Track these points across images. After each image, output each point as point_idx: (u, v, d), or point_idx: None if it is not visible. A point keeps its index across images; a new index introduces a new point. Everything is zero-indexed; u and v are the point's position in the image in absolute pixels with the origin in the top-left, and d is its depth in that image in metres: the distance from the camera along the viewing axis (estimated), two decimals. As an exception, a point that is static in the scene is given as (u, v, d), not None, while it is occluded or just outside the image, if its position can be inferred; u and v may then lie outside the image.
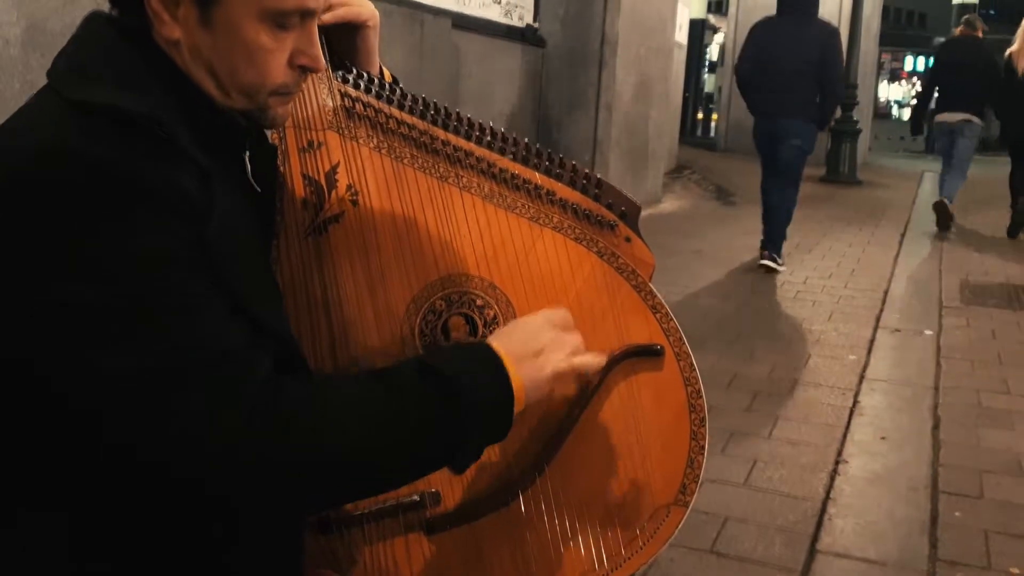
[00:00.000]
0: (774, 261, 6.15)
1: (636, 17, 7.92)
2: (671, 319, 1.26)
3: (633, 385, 1.25)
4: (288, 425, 0.92)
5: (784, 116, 6.03)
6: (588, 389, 1.23)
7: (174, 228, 0.92)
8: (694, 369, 1.27)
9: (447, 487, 1.21)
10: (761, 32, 6.31)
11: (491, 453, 1.21)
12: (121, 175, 0.91)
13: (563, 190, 1.26)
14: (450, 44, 6.01)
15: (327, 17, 1.20)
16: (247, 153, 1.13)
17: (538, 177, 1.25)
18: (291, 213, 1.20)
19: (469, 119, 1.26)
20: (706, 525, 2.59)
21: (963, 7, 17.86)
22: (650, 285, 1.26)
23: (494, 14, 7.22)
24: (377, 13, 1.26)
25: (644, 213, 6.84)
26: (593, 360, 1.14)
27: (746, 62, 6.34)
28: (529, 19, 7.68)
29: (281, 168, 1.20)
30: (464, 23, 6.58)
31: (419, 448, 1.02)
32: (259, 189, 1.14)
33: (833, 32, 6.26)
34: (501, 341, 1.09)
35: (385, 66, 1.34)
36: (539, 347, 1.10)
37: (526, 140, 1.27)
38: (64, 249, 0.88)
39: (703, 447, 1.26)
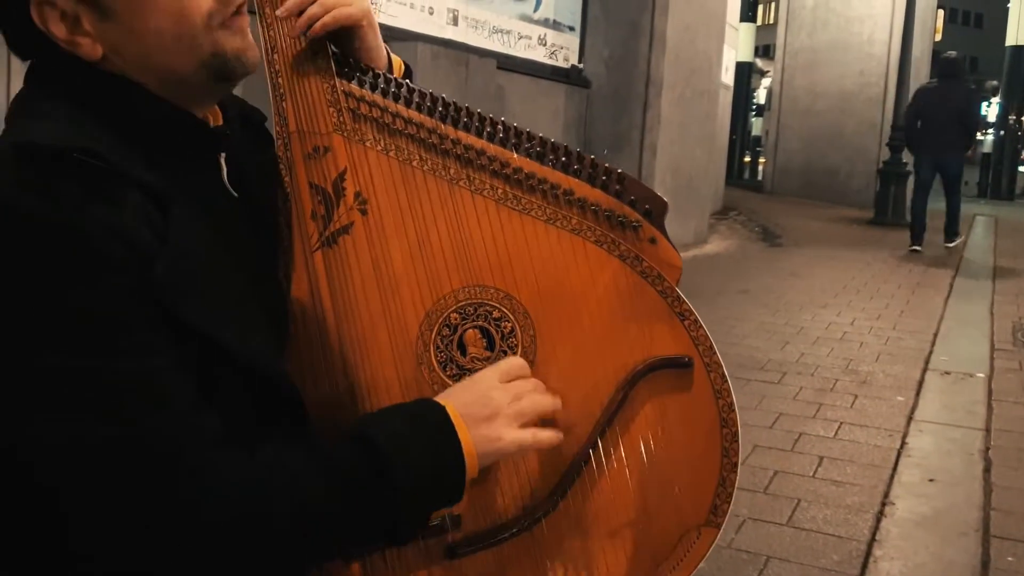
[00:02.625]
0: (952, 241, 9.51)
1: (681, 59, 7.96)
2: (700, 326, 1.18)
3: (660, 401, 1.18)
4: (212, 509, 0.88)
5: (941, 153, 9.13)
6: (611, 407, 1.17)
7: (110, 282, 0.87)
8: (726, 380, 1.18)
9: (469, 511, 1.15)
10: (923, 93, 9.50)
11: (512, 476, 1.17)
12: (47, 228, 0.85)
13: (581, 188, 1.18)
14: (495, 84, 6.08)
15: (318, 27, 1.15)
16: (223, 155, 1.08)
17: (554, 175, 1.18)
18: (299, 226, 1.15)
19: (479, 113, 1.19)
20: (748, 564, 2.54)
21: (1017, 49, 17.66)
22: (677, 290, 1.19)
23: (539, 55, 7.31)
24: (369, 9, 1.19)
25: (688, 253, 6.84)
26: (545, 438, 1.10)
27: (912, 116, 9.46)
28: (574, 60, 7.76)
29: (287, 178, 1.15)
30: (509, 64, 6.67)
31: (351, 529, 0.97)
32: (235, 194, 1.09)
33: (974, 91, 9.77)
34: (455, 399, 1.06)
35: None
36: (493, 409, 1.06)
37: (540, 135, 1.20)
38: None
39: (736, 464, 1.18)
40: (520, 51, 7.08)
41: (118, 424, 0.85)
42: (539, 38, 7.33)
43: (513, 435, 1.07)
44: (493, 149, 1.17)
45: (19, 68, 1.02)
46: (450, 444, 1.03)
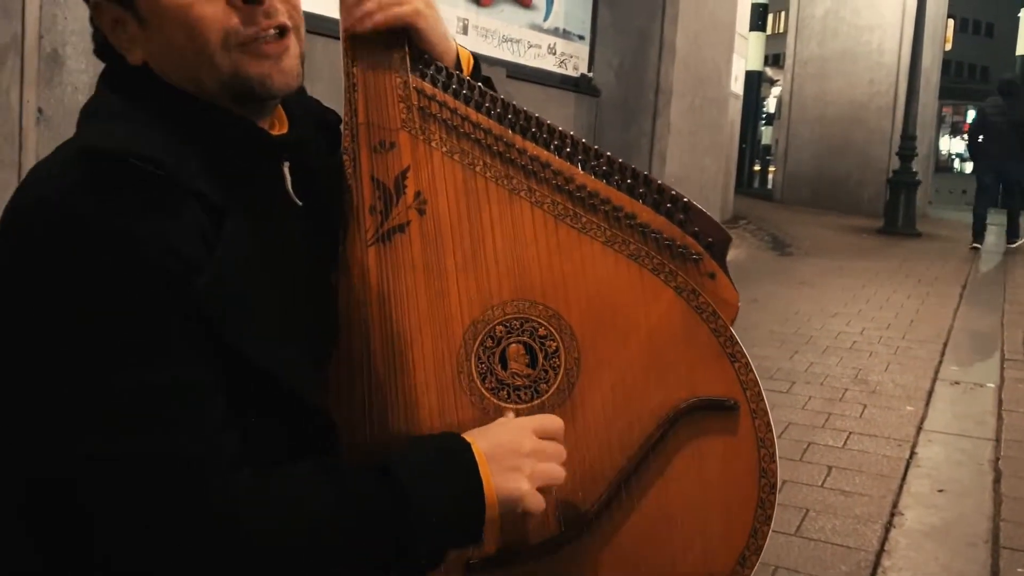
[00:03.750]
0: (1014, 242, 10.54)
1: (691, 67, 7.96)
2: (751, 371, 1.15)
3: (700, 443, 1.15)
4: (220, 530, 0.88)
5: (1004, 160, 10.34)
6: (648, 442, 1.14)
7: (153, 293, 0.87)
8: (770, 429, 1.14)
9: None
10: (986, 110, 10.71)
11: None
12: (99, 234, 0.86)
13: (645, 213, 1.15)
14: (504, 93, 6.09)
15: (368, 24, 1.13)
16: (286, 164, 1.07)
17: (618, 197, 1.15)
18: (357, 218, 1.13)
19: (549, 125, 1.17)
20: (756, 574, 2.53)
21: (1026, 59, 17.63)
22: (731, 330, 1.16)
23: (549, 64, 7.32)
24: (421, 9, 1.16)
25: (697, 261, 6.71)
26: (536, 504, 1.05)
27: (976, 130, 10.86)
28: (584, 69, 7.77)
29: (349, 168, 1.14)
30: (519, 73, 6.68)
31: (364, 559, 0.97)
32: (299, 203, 1.09)
33: None
34: (484, 440, 1.04)
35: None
36: (520, 458, 1.04)
37: (608, 153, 1.17)
38: (23, 307, 0.86)
39: (770, 517, 1.14)
40: (530, 60, 7.09)
41: (139, 437, 0.86)
42: (549, 47, 7.35)
43: (532, 495, 1.05)
44: (558, 163, 1.15)
45: (33, 78, 1.04)
46: (473, 487, 1.01)
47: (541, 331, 1.14)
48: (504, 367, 1.14)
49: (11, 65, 2.91)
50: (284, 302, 1.00)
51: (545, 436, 1.08)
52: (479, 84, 1.17)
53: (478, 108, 1.15)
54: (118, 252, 0.86)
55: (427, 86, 1.15)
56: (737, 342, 1.16)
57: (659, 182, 1.17)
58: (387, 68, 1.15)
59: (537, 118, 1.16)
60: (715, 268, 1.16)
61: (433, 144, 1.15)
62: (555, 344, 1.14)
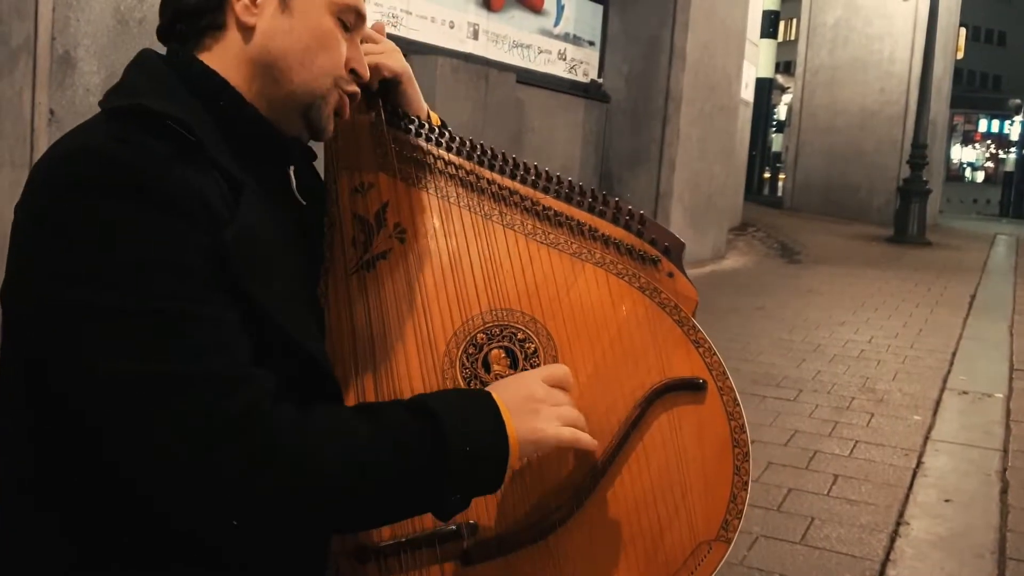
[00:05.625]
0: None
1: (701, 74, 7.97)
2: (714, 354, 1.26)
3: (675, 419, 1.25)
4: (264, 452, 0.91)
5: None
6: (627, 423, 1.23)
7: (185, 233, 0.92)
8: (737, 404, 1.25)
9: (485, 518, 1.21)
10: None
11: (529, 485, 1.21)
12: (136, 175, 0.92)
13: (606, 227, 1.29)
14: (514, 99, 6.11)
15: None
16: (292, 168, 1.18)
17: (580, 214, 1.29)
18: (340, 251, 1.25)
19: (514, 159, 1.30)
20: (760, 582, 2.53)
21: (1038, 69, 17.58)
22: (693, 320, 1.27)
23: (559, 70, 7.33)
24: (408, 68, 1.33)
25: (706, 269, 6.80)
26: (586, 440, 1.13)
27: None
28: (593, 75, 7.78)
29: (333, 208, 1.26)
30: (529, 78, 6.70)
31: (400, 488, 1.00)
32: (303, 202, 1.19)
33: None
34: (500, 393, 1.09)
35: (448, 117, 1.39)
36: (535, 403, 1.10)
37: (569, 179, 1.30)
38: (66, 245, 0.90)
39: (747, 483, 1.24)
40: (540, 65, 7.11)
41: (177, 362, 0.89)
42: (559, 53, 7.36)
43: (554, 430, 1.10)
44: (524, 190, 1.30)
45: (45, 80, 1.06)
46: (497, 427, 1.06)
47: (520, 335, 1.25)
48: (488, 371, 1.24)
49: (23, 67, 2.93)
50: (288, 278, 1.07)
51: (553, 383, 1.14)
52: (448, 130, 1.32)
53: (448, 149, 1.30)
54: (150, 194, 0.92)
55: (401, 134, 1.30)
56: (699, 330, 1.27)
57: (616, 200, 1.31)
58: (366, 122, 1.30)
59: (503, 154, 1.30)
60: (673, 269, 1.29)
61: (410, 182, 1.29)
62: (533, 345, 1.25)
